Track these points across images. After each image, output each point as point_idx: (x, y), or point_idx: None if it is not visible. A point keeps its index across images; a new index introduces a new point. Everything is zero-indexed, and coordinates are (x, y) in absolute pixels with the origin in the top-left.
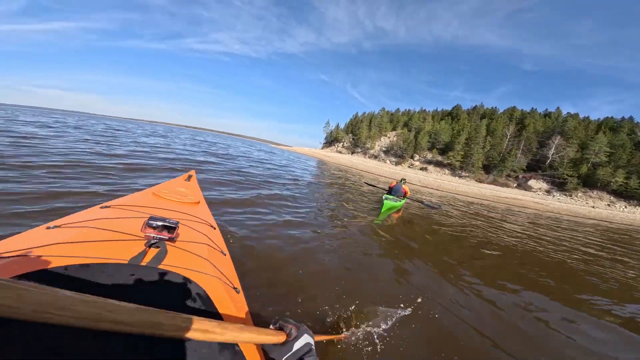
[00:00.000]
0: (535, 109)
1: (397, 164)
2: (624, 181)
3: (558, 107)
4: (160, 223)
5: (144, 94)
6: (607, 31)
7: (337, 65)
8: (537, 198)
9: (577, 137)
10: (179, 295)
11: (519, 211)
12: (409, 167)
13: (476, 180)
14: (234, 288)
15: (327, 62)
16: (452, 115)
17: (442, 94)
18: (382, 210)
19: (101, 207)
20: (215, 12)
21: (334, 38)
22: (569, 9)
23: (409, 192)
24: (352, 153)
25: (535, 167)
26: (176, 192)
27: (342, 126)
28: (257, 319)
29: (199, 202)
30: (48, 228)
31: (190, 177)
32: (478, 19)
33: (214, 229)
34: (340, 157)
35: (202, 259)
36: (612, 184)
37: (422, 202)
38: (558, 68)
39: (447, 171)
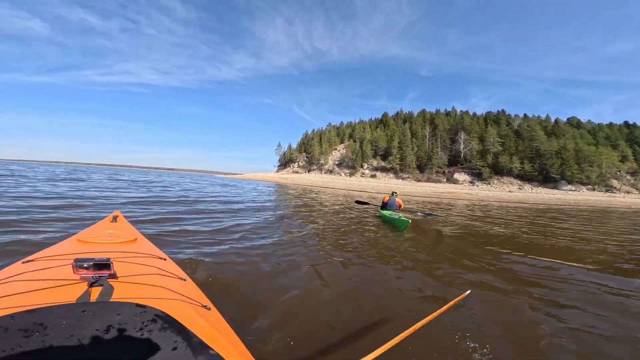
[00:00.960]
0: (439, 109)
1: (350, 174)
2: (521, 166)
3: (453, 107)
4: (90, 263)
5: (32, 132)
6: (467, 38)
7: (281, 87)
8: (465, 189)
9: (474, 131)
10: (138, 321)
11: (463, 203)
12: (361, 176)
13: (415, 180)
14: (204, 306)
15: (270, 85)
16: (383, 122)
17: (370, 104)
18: (403, 227)
19: (23, 262)
20: (121, 43)
21: (274, 61)
22: (439, 20)
23: (402, 205)
24: (308, 171)
25: (454, 161)
26: (105, 234)
27: (294, 146)
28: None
29: (136, 239)
30: None
31: (115, 217)
32: (385, 34)
33: (164, 260)
34: (298, 178)
35: (155, 286)
36: (513, 169)
37: (417, 213)
38: (444, 72)
39: (391, 175)
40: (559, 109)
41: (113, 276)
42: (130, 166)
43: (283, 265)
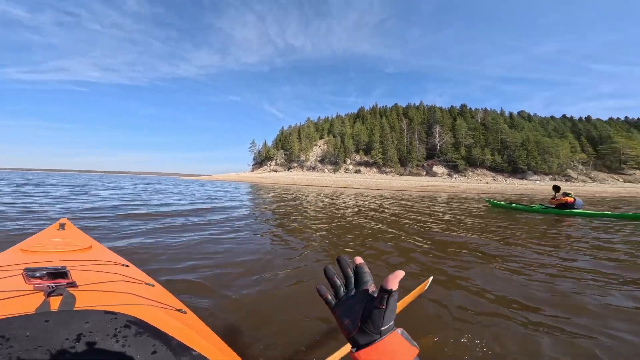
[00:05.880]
0: (409, 103)
1: (334, 171)
2: (492, 158)
3: (421, 101)
4: (44, 272)
5: None
6: (426, 37)
7: (249, 85)
8: (447, 182)
9: (446, 124)
10: (110, 328)
11: (464, 196)
12: (345, 171)
13: (398, 174)
14: (178, 310)
15: (236, 83)
16: (360, 116)
17: (342, 100)
18: None
19: None
20: (55, 38)
21: (243, 58)
22: (405, 19)
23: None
24: (288, 169)
25: (431, 154)
26: (52, 243)
27: (270, 143)
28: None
29: (91, 247)
30: None
31: (63, 225)
32: (358, 30)
33: (127, 266)
34: (279, 176)
35: (122, 293)
36: (485, 161)
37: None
38: (406, 69)
39: (375, 169)
40: (501, 104)
41: (72, 285)
42: (68, 170)
43: None
